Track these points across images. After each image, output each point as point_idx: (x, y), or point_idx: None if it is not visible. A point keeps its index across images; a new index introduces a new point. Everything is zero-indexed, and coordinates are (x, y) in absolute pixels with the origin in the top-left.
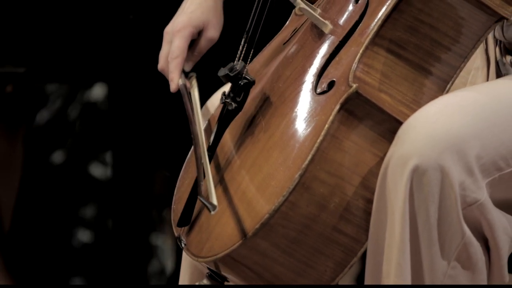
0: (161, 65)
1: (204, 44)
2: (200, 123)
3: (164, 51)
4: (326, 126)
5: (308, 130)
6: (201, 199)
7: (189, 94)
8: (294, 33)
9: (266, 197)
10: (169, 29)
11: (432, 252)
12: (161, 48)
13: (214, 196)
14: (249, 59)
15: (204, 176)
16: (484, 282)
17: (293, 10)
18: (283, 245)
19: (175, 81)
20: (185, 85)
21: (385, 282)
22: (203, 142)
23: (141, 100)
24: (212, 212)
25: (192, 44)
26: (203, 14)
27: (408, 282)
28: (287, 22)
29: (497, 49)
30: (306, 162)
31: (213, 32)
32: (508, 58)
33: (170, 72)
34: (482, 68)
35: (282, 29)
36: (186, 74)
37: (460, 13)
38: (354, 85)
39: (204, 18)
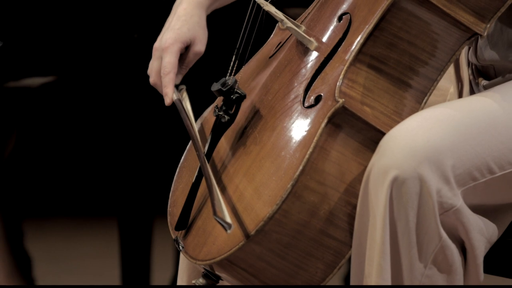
0: (153, 80)
1: (191, 58)
2: (197, 134)
3: (154, 66)
4: (315, 138)
5: (298, 142)
6: (217, 219)
7: (184, 107)
8: (280, 47)
9: (260, 205)
10: (157, 45)
11: (411, 254)
12: (150, 63)
13: (227, 215)
14: (240, 74)
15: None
16: (460, 281)
17: (277, 24)
18: (277, 249)
19: (170, 95)
20: (179, 99)
21: (367, 281)
22: (203, 155)
23: (143, 115)
24: (229, 231)
25: (180, 58)
26: (190, 30)
27: (388, 281)
28: (272, 35)
29: (469, 71)
30: (298, 172)
31: (199, 47)
32: (482, 80)
33: (164, 86)
34: (455, 91)
35: (267, 41)
36: (176, 87)
37: (436, 30)
38: (341, 100)
39: (190, 34)
